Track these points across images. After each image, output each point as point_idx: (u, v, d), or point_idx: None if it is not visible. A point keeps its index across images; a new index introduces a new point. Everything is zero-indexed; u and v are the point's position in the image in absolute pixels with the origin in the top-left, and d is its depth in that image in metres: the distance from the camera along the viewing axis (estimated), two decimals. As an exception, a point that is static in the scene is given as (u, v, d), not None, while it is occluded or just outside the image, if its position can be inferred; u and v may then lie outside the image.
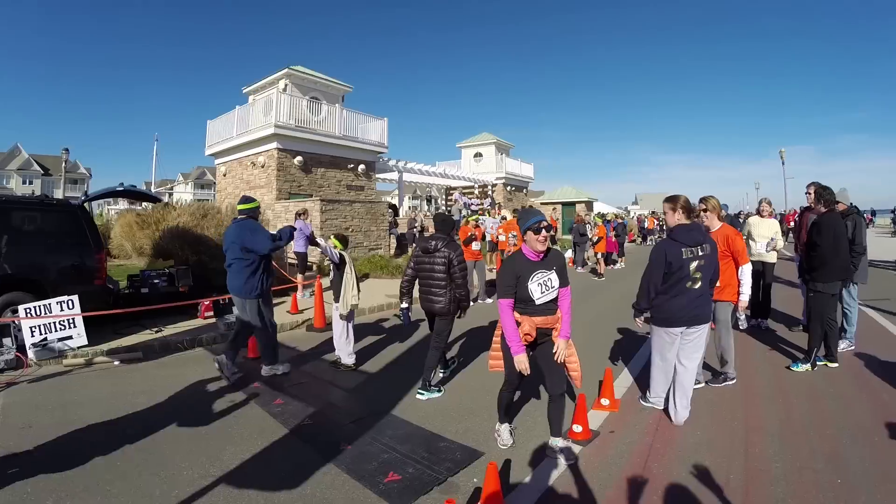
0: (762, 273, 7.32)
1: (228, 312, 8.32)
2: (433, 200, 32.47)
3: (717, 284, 4.51)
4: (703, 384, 4.85)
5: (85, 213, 7.45)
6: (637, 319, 4.35)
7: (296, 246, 10.07)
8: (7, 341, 6.13)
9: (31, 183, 58.41)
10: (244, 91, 19.76)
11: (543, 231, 3.37)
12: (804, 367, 5.25)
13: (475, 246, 10.04)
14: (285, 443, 3.90)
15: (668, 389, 4.28)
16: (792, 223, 21.15)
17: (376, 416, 4.39)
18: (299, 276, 10.08)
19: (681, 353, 4.15)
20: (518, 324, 3.42)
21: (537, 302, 3.40)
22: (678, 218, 4.06)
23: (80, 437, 4.07)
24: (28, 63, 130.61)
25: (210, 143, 19.88)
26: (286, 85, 18.01)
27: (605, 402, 4.43)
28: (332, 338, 6.34)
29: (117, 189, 9.46)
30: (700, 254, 3.93)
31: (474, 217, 10.71)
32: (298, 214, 10.37)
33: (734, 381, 4.91)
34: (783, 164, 32.80)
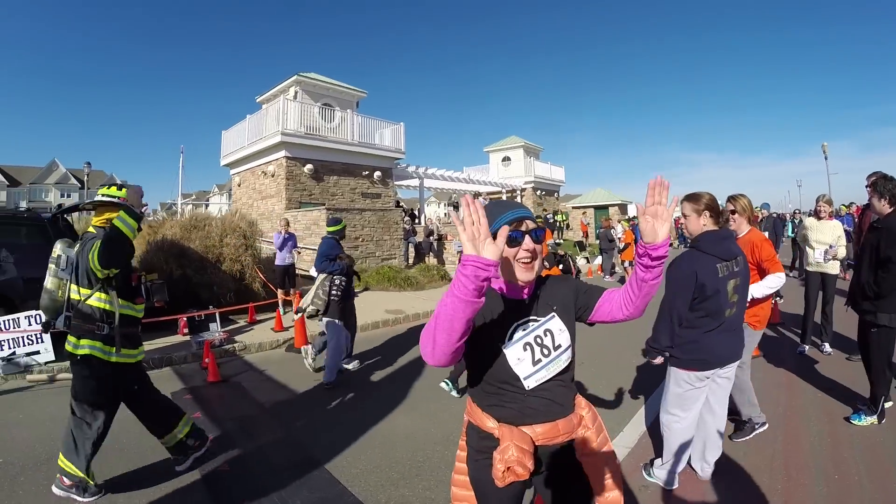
0: (822, 287, 6.21)
1: (205, 329, 7.75)
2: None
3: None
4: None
5: (55, 227, 7.13)
6: (654, 360, 3.13)
7: (277, 259, 9.36)
8: (-23, 354, 6.01)
9: (69, 196, 59.73)
10: (257, 100, 19.34)
11: (528, 239, 1.63)
12: (868, 421, 3.94)
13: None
14: (191, 491, 3.39)
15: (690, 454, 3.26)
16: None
17: (303, 466, 3.69)
18: (280, 292, 9.29)
19: (711, 396, 3.16)
20: (495, 438, 1.67)
21: (527, 384, 1.65)
22: (703, 223, 3.04)
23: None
24: (62, 82, 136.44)
25: (225, 153, 19.54)
26: (296, 92, 17.46)
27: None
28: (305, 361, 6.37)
29: (87, 203, 9.04)
30: (736, 269, 2.99)
31: None
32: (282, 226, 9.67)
33: (765, 424, 3.81)
34: (826, 158, 30.11)
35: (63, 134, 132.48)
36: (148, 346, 7.07)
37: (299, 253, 10.16)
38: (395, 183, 20.80)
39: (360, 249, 14.50)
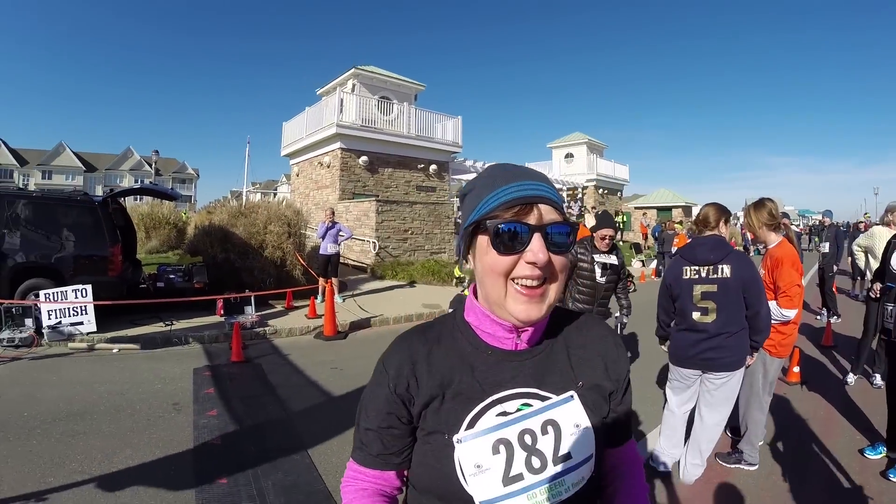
0: None
1: (240, 312, 7.94)
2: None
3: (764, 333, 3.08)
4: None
5: (104, 210, 7.64)
6: (662, 346, 3.58)
7: (320, 247, 9.45)
8: (28, 321, 6.74)
9: (142, 182, 63.19)
10: (318, 92, 19.80)
11: (537, 241, 0.80)
12: None
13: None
14: (178, 459, 3.58)
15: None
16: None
17: (288, 450, 3.74)
18: (321, 280, 9.38)
19: (701, 400, 3.20)
20: None
21: None
22: (719, 231, 3.25)
23: (12, 412, 4.31)
24: (138, 73, 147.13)
25: (285, 143, 20.12)
26: (354, 85, 17.69)
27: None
28: (335, 348, 6.83)
29: (134, 187, 9.65)
30: (707, 276, 3.02)
31: None
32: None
33: (755, 467, 3.41)
34: None
35: (138, 123, 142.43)
36: (184, 324, 7.57)
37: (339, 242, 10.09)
38: (452, 177, 20.74)
39: (408, 242, 14.55)
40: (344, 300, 9.64)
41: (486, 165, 23.78)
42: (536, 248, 0.80)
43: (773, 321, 3.16)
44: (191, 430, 4.06)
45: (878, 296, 3.75)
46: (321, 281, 9.36)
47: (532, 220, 0.82)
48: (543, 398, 0.89)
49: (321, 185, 17.47)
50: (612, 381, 0.98)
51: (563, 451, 0.87)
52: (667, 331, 3.38)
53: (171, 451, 3.67)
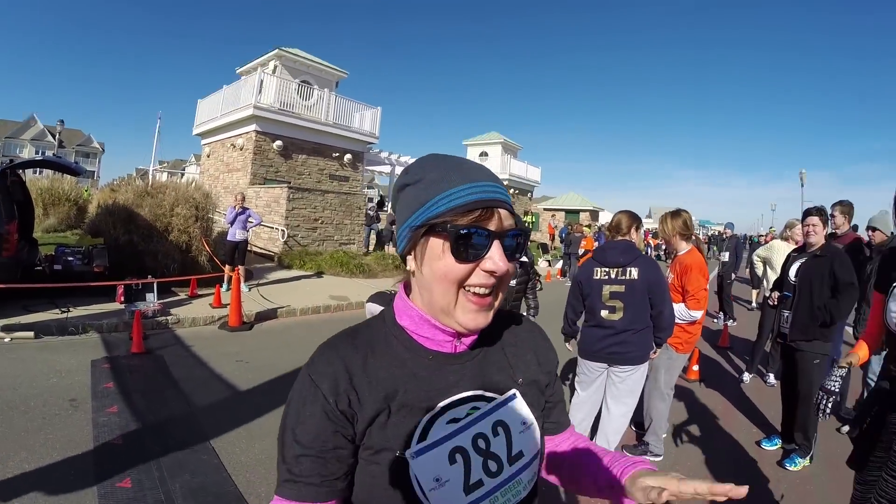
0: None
1: (141, 299, 7.78)
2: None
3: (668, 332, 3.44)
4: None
5: (2, 182, 7.07)
6: (566, 344, 3.77)
7: (228, 233, 9.41)
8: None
9: (43, 153, 57.91)
10: (238, 71, 19.24)
11: (496, 249, 0.79)
12: (802, 464, 3.70)
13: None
14: (78, 461, 3.43)
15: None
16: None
17: (194, 448, 3.71)
18: (226, 267, 9.36)
19: (608, 393, 3.51)
20: None
21: None
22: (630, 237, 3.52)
23: None
24: (46, 38, 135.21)
25: (198, 122, 19.45)
26: (276, 66, 17.41)
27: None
28: (240, 339, 6.55)
29: (36, 159, 9.07)
30: (616, 278, 3.32)
31: None
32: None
33: (660, 457, 3.80)
34: (802, 185, 30.71)
35: (44, 90, 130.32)
36: (82, 311, 7.20)
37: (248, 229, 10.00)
38: (366, 167, 20.86)
39: (318, 231, 14.60)
40: (249, 289, 9.64)
41: (415, 158, 23.98)
42: (497, 256, 0.79)
43: (681, 321, 3.58)
44: (90, 428, 3.90)
45: (775, 303, 4.17)
46: (227, 269, 9.34)
47: (493, 226, 0.80)
48: (489, 399, 0.89)
49: (232, 168, 17.09)
50: (546, 374, 1.01)
51: (515, 450, 0.88)
52: (573, 328, 3.68)
53: (70, 453, 3.51)
